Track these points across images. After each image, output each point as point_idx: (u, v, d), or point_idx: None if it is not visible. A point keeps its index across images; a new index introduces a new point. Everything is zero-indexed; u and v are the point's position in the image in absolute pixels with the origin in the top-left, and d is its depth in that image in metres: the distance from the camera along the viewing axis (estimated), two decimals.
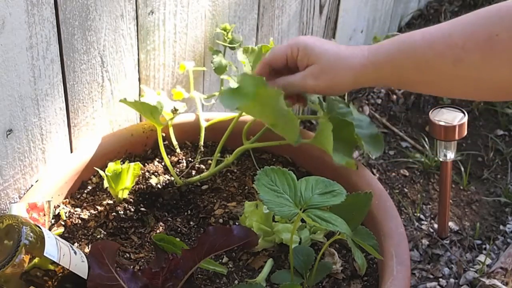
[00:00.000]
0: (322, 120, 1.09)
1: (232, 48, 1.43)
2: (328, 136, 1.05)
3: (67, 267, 0.96)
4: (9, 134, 1.10)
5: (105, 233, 1.14)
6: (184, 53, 1.41)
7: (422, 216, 1.82)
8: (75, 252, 0.99)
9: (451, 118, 1.57)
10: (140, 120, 1.38)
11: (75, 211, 1.19)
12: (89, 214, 1.18)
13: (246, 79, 1.11)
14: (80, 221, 1.17)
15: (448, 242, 1.75)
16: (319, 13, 1.84)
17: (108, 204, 1.19)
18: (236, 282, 1.07)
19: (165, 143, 1.32)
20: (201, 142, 1.32)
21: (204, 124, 1.33)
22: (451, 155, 1.63)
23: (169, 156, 1.29)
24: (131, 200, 1.20)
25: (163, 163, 1.28)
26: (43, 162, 1.20)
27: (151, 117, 1.21)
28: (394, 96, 2.18)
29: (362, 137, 1.16)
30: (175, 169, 1.27)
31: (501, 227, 1.83)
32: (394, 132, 2.08)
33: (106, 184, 1.17)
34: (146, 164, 1.28)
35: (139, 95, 1.34)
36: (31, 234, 0.93)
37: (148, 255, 1.12)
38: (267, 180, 0.99)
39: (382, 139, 1.20)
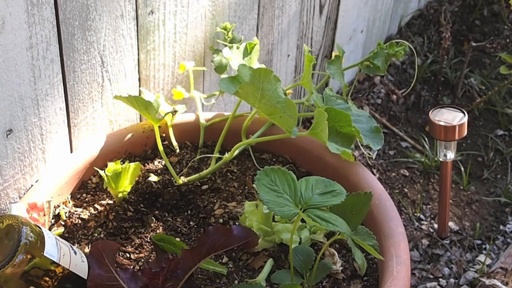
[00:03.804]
0: (318, 110, 1.08)
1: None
2: (323, 126, 1.04)
3: (67, 267, 0.96)
4: (9, 134, 1.10)
5: (105, 233, 1.14)
6: (184, 53, 1.41)
7: (422, 216, 1.82)
8: (75, 252, 0.99)
9: (451, 118, 1.57)
10: (140, 120, 1.38)
11: (75, 211, 1.19)
12: (89, 214, 1.18)
13: (244, 69, 1.12)
14: (80, 221, 1.17)
15: (448, 242, 1.75)
16: (319, 13, 1.84)
17: (108, 204, 1.19)
18: (236, 282, 1.07)
19: (165, 143, 1.32)
20: (201, 142, 1.32)
21: (204, 124, 1.33)
22: (451, 155, 1.63)
23: (169, 156, 1.29)
24: (131, 200, 1.20)
25: (163, 163, 1.28)
26: (43, 162, 1.20)
27: (146, 113, 1.21)
28: (394, 96, 2.18)
29: (361, 131, 1.16)
30: (175, 169, 1.27)
31: (501, 227, 1.83)
32: (394, 132, 2.08)
33: (106, 184, 1.17)
34: (146, 164, 1.28)
35: (139, 95, 1.34)
36: (31, 234, 0.93)
37: (148, 255, 1.12)
38: (267, 180, 0.99)
39: (381, 131, 1.20)
